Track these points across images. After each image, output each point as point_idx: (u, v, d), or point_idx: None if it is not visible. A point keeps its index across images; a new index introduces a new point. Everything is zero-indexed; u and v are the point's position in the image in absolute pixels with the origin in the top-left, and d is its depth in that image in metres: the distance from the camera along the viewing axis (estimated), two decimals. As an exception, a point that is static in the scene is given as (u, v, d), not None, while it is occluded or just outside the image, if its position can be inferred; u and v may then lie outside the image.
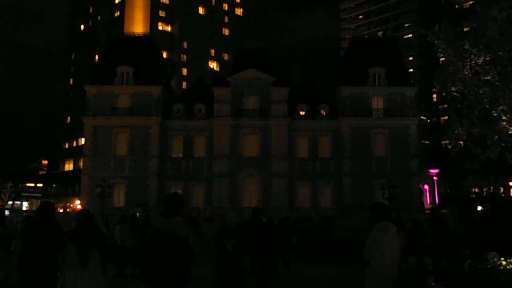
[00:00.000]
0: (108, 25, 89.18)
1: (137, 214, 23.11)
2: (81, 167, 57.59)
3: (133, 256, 14.52)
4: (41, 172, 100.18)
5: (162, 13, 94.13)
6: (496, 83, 23.84)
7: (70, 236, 8.35)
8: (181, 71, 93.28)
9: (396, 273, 6.67)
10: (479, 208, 27.64)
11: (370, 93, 52.63)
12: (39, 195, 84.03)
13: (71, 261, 7.98)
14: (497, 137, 24.62)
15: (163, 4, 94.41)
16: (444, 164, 55.56)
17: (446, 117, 60.53)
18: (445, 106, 63.42)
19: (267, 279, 12.02)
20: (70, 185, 79.96)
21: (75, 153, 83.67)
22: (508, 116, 23.63)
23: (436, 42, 25.44)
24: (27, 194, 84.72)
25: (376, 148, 51.68)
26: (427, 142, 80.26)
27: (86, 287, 7.94)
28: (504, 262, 9.69)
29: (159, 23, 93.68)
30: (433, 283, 8.52)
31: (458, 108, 26.82)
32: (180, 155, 52.61)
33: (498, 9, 22.85)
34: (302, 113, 52.98)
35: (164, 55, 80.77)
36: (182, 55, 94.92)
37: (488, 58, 23.94)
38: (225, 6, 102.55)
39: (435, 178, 53.98)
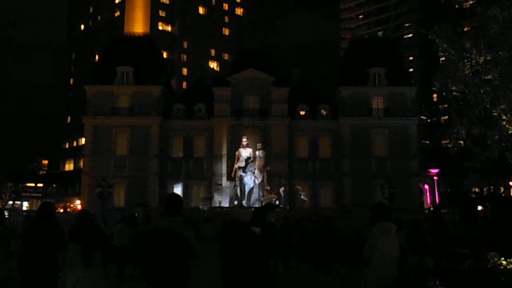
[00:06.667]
0: (108, 25, 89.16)
1: (136, 214, 23.14)
2: (81, 167, 57.64)
3: (132, 256, 14.53)
4: (41, 172, 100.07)
5: (162, 13, 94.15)
6: (497, 82, 23.83)
7: (73, 236, 8.34)
8: (181, 71, 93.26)
9: (395, 273, 6.66)
10: (479, 208, 27.59)
11: (370, 93, 52.61)
12: (39, 195, 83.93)
13: (74, 261, 7.97)
14: (497, 136, 24.59)
15: (163, 4, 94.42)
16: (444, 164, 55.46)
17: (446, 117, 60.38)
18: (445, 105, 63.30)
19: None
20: (70, 185, 79.97)
21: (75, 153, 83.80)
22: (509, 115, 23.61)
23: (436, 41, 25.42)
24: (27, 194, 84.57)
25: (376, 148, 51.67)
26: (427, 142, 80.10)
27: (88, 287, 7.94)
28: (504, 262, 9.68)
29: (159, 23, 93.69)
30: (433, 283, 8.52)
31: (458, 108, 26.78)
32: (180, 155, 52.59)
33: (500, 8, 22.82)
34: (302, 113, 52.95)
35: (164, 55, 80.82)
36: (182, 55, 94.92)
37: (488, 58, 23.92)
38: (225, 6, 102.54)
39: (435, 178, 53.91)
